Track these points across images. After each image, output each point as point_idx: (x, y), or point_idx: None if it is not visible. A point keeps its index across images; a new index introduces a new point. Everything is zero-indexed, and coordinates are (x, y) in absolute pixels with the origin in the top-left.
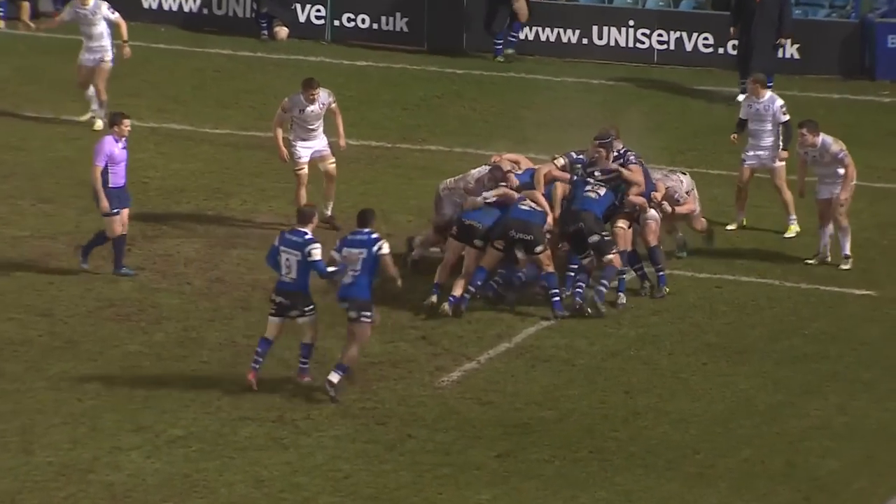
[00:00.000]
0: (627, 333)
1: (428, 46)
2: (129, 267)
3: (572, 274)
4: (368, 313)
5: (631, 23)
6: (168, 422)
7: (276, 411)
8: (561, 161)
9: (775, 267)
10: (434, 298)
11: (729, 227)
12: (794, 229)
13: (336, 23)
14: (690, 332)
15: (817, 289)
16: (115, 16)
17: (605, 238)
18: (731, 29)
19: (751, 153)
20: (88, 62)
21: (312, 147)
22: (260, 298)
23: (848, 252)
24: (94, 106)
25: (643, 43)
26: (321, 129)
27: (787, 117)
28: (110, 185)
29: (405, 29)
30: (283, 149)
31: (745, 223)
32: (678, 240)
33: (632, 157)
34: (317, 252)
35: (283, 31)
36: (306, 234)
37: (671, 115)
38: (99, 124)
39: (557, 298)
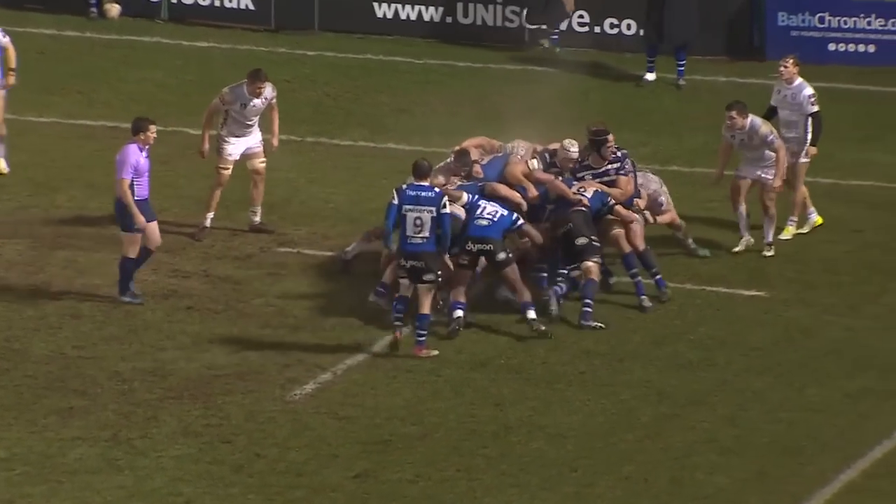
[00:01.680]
0: (497, 341)
1: (276, 25)
2: (135, 294)
3: (544, 275)
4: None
5: (499, 0)
6: None
7: (109, 430)
8: (535, 164)
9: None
10: (381, 301)
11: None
12: (791, 231)
13: None
14: (566, 339)
15: (703, 290)
16: (6, 40)
17: (593, 243)
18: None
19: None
20: None
21: (245, 144)
22: (91, 306)
23: (770, 239)
24: None
25: (512, 22)
26: (257, 124)
27: (815, 108)
28: (136, 198)
29: (251, 6)
30: (207, 144)
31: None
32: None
33: (628, 165)
34: (448, 206)
35: (114, 9)
36: (432, 187)
37: (545, 101)
38: (3, 165)
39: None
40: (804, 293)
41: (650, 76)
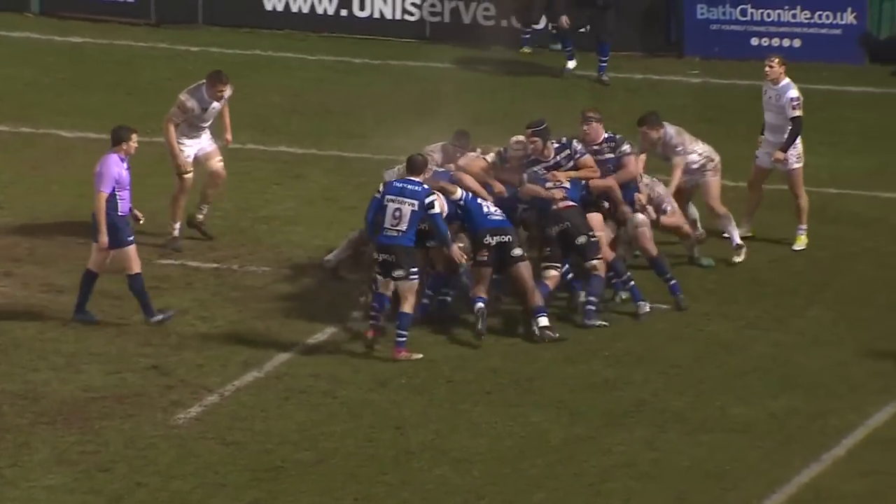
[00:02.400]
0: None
1: (157, 19)
2: (89, 314)
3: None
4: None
5: None
6: None
7: None
8: (491, 157)
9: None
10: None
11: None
12: (803, 241)
13: None
14: (471, 356)
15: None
16: None
17: (592, 239)
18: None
19: (761, 149)
20: None
21: (198, 145)
22: None
23: (738, 241)
24: None
25: (413, 14)
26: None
27: (796, 113)
28: (119, 213)
29: None
30: (180, 156)
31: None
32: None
33: (626, 148)
34: (437, 205)
35: None
36: (423, 184)
37: (447, 100)
38: None
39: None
40: (726, 306)
41: (571, 64)
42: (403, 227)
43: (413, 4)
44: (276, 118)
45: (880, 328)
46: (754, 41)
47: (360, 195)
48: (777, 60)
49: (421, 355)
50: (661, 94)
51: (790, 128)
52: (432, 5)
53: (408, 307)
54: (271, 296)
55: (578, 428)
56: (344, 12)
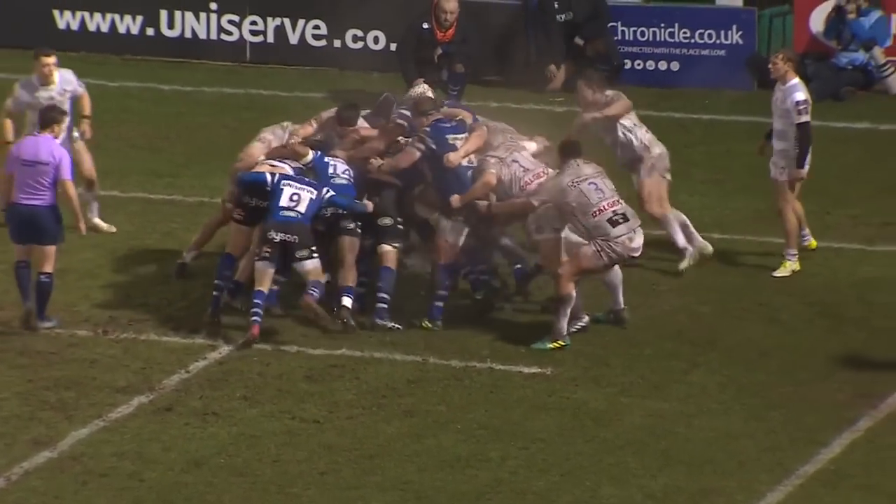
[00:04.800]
0: (218, 433)
1: None
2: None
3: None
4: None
5: (213, 6)
6: None
7: None
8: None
9: (418, 338)
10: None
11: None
12: (789, 266)
13: None
14: (302, 431)
15: (473, 367)
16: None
17: (398, 226)
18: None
19: (770, 161)
20: None
21: None
22: None
23: (682, 245)
24: None
25: (230, 34)
26: None
27: (804, 118)
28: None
29: None
30: None
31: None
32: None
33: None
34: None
35: None
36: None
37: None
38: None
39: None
40: (596, 370)
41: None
42: (302, 208)
43: (231, 23)
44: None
45: (772, 395)
46: (626, 63)
47: (169, 243)
48: (781, 56)
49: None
50: (521, 124)
51: (797, 136)
52: (253, 23)
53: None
54: (66, 361)
55: None
56: (150, 31)
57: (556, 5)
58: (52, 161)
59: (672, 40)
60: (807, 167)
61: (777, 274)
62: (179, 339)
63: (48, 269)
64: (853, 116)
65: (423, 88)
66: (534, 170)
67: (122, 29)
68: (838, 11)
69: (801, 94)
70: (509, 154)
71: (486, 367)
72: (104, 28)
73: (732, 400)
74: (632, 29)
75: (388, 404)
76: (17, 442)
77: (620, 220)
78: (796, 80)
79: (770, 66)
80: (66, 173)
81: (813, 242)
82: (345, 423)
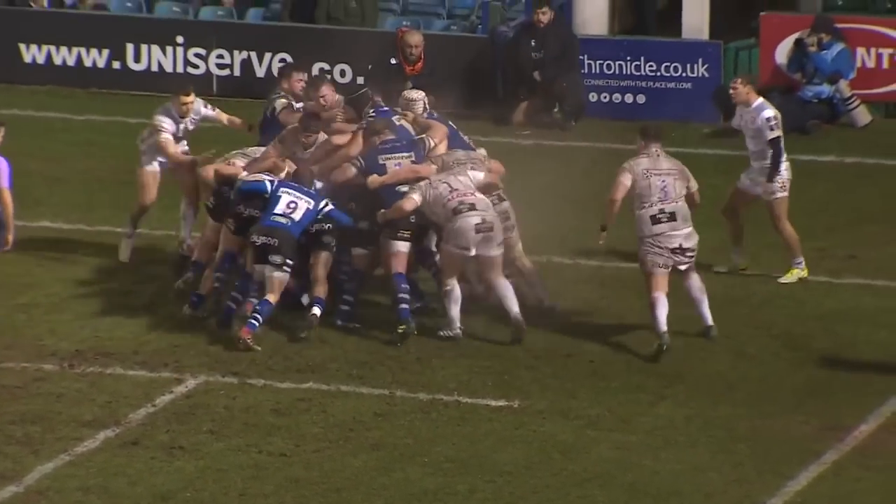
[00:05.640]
0: (184, 467)
1: None
2: None
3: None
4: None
5: (180, 40)
6: None
7: None
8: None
9: (385, 371)
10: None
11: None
12: (796, 273)
13: None
14: (269, 465)
15: (440, 400)
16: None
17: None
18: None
19: (745, 173)
20: None
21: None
22: None
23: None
24: None
25: (197, 67)
26: None
27: (775, 133)
28: None
29: None
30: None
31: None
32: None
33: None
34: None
35: None
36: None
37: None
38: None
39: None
40: (564, 402)
41: None
42: (297, 216)
43: (197, 56)
44: (36, 189)
45: (739, 428)
46: (592, 97)
47: (136, 277)
48: (740, 81)
49: (259, 349)
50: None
51: (770, 152)
52: (220, 56)
53: (272, 297)
54: (31, 396)
55: None
56: (117, 65)
57: (532, 43)
58: None
59: (638, 73)
60: (787, 182)
61: (783, 280)
62: (146, 372)
63: None
64: (819, 150)
65: (419, 94)
66: (462, 190)
67: (88, 62)
68: (799, 45)
69: (770, 111)
70: (444, 177)
71: (453, 399)
72: (70, 62)
73: (699, 432)
74: (598, 62)
75: (355, 437)
76: None
77: (664, 220)
78: (761, 100)
79: (731, 91)
80: (3, 181)
81: (743, 264)
82: (312, 456)
